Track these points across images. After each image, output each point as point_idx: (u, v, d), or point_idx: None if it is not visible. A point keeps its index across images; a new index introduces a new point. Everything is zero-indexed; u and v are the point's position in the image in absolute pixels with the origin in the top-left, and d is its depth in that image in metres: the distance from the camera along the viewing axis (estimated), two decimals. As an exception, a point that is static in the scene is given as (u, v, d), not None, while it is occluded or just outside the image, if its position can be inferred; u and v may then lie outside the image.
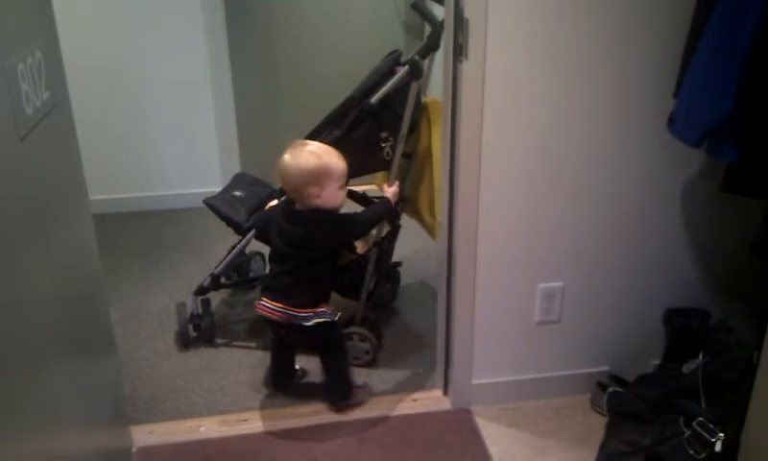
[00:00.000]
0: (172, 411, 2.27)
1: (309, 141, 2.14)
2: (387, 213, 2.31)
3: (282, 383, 2.34)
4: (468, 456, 2.09)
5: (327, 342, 2.23)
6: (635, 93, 1.98)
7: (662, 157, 2.05)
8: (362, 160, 2.26)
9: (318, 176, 2.04)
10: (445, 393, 2.34)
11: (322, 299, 2.17)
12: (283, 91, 3.85)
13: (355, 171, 2.19)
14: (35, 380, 1.30)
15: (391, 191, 2.25)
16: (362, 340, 2.46)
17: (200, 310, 2.63)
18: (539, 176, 2.04)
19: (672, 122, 1.86)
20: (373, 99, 2.25)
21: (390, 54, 2.50)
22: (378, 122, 2.28)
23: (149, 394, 2.35)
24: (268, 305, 2.11)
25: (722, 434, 1.76)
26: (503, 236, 2.09)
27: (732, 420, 1.75)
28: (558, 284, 2.18)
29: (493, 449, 2.11)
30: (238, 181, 2.79)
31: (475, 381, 2.26)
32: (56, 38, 1.61)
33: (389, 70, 2.30)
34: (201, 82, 3.61)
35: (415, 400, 2.31)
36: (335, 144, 2.23)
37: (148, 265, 3.24)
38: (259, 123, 3.83)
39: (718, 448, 1.76)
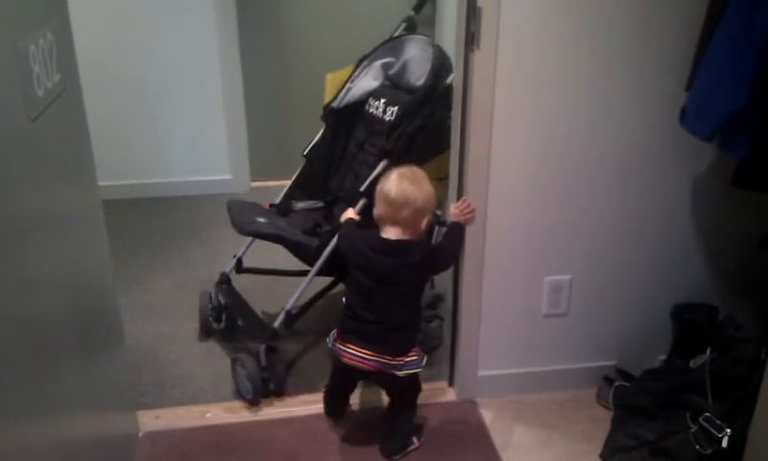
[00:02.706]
0: (178, 397, 2.28)
1: (417, 168, 1.98)
2: (463, 238, 2.09)
3: (340, 414, 2.19)
4: (473, 448, 2.09)
5: (408, 391, 2.08)
6: (646, 86, 1.97)
7: (673, 151, 2.04)
8: (436, 144, 2.26)
9: (431, 207, 1.96)
10: (451, 384, 2.34)
11: (414, 343, 2.00)
12: (293, 79, 3.83)
13: (433, 154, 2.18)
14: (42, 365, 1.30)
15: (455, 212, 2.06)
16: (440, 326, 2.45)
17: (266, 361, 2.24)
18: (548, 168, 2.03)
19: (684, 116, 1.85)
20: (448, 80, 2.27)
21: (384, 43, 2.51)
22: (448, 103, 2.28)
23: (155, 379, 2.36)
24: (357, 354, 1.92)
25: (728, 430, 1.75)
26: (511, 228, 2.09)
27: (739, 416, 1.74)
28: (565, 277, 2.17)
29: (498, 441, 2.11)
30: (242, 208, 2.46)
31: (481, 373, 2.26)
32: (67, 21, 1.61)
33: (443, 54, 2.31)
34: (210, 69, 3.60)
35: (420, 391, 2.31)
36: (417, 133, 2.23)
37: (154, 251, 3.24)
38: (268, 111, 3.82)
39: (725, 443, 1.75)
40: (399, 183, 1.90)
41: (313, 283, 2.32)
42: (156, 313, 2.75)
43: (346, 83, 2.53)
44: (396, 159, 2.23)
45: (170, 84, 3.61)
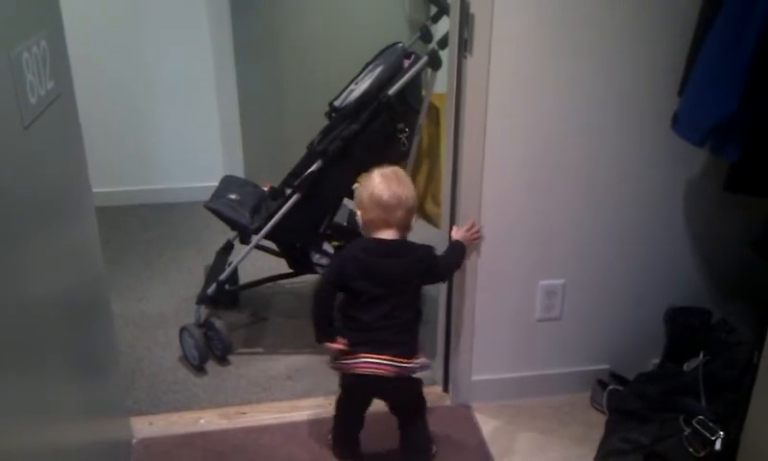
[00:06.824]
0: (172, 403, 2.27)
1: (396, 167, 1.97)
2: (463, 258, 2.07)
3: (353, 456, 2.08)
4: (468, 452, 2.09)
5: (421, 400, 2.00)
6: (639, 91, 1.98)
7: (666, 155, 2.05)
8: (379, 153, 2.26)
9: (417, 203, 1.94)
10: (445, 389, 2.34)
11: (418, 346, 1.93)
12: (287, 85, 3.84)
13: (373, 164, 2.19)
14: (35, 372, 1.30)
15: (460, 234, 2.04)
16: None
17: (201, 320, 2.46)
18: (542, 173, 2.04)
19: (676, 121, 1.86)
20: (391, 91, 2.26)
21: (388, 47, 2.50)
22: (395, 114, 2.29)
23: (149, 385, 2.35)
24: (373, 361, 1.82)
25: (722, 432, 1.76)
26: (505, 232, 2.09)
27: (733, 419, 1.75)
28: (559, 282, 2.18)
29: (493, 446, 2.11)
30: (228, 183, 2.70)
31: (475, 378, 2.26)
32: (61, 28, 1.61)
33: (399, 63, 2.29)
34: (204, 75, 3.60)
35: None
36: (353, 138, 2.22)
37: (150, 257, 3.24)
38: (262, 117, 3.83)
39: (718, 446, 1.75)
40: (389, 186, 1.86)
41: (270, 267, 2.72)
42: (151, 319, 2.75)
43: (350, 83, 2.55)
44: (330, 161, 2.29)
45: (165, 90, 3.61)
